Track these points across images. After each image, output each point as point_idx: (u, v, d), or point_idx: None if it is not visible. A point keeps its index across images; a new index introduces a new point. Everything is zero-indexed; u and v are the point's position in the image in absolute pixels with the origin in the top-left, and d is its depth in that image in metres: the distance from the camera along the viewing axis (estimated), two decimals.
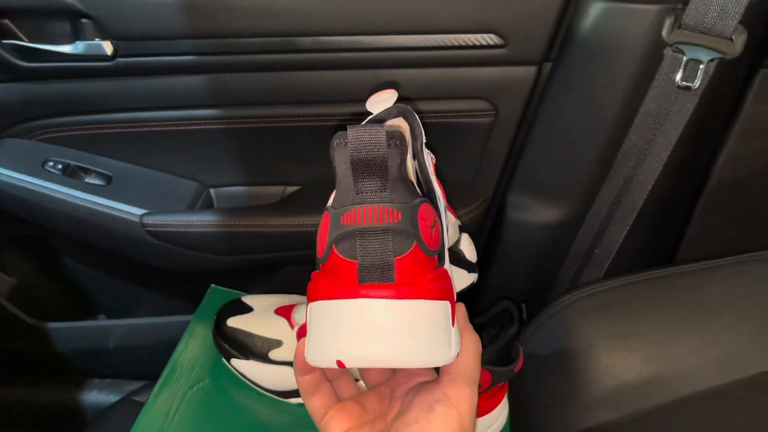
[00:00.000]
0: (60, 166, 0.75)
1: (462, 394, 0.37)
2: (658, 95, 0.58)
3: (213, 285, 0.67)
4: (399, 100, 0.70)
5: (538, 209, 0.69)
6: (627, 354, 0.59)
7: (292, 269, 0.83)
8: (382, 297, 0.33)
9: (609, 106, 0.61)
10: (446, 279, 0.36)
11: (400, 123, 0.43)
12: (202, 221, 0.73)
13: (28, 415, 0.97)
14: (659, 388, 0.57)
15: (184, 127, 0.74)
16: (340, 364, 0.33)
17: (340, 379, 0.43)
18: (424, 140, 0.42)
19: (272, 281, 0.85)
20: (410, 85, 0.68)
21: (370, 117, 0.43)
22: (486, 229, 0.79)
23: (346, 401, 0.41)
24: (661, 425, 0.56)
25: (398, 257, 0.33)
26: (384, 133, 0.34)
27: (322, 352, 0.34)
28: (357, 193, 0.34)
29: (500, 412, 0.59)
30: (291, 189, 0.80)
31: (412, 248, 0.34)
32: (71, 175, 0.75)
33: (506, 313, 0.57)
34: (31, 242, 0.89)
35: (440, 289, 0.35)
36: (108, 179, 0.76)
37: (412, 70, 0.67)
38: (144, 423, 0.54)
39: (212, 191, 0.80)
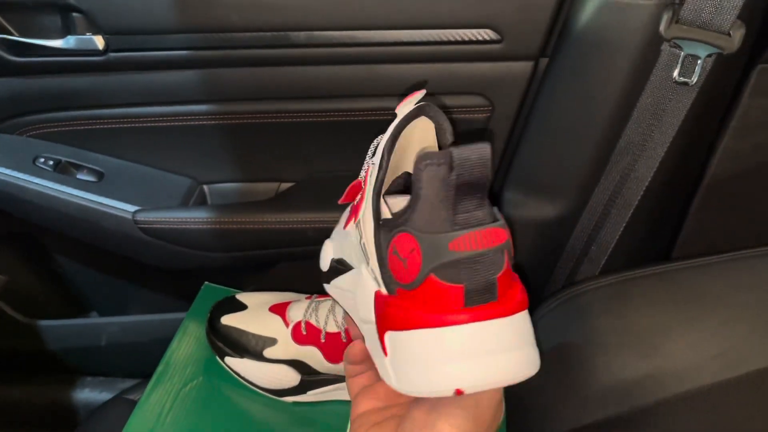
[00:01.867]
0: (51, 162, 0.74)
1: None
2: (655, 91, 0.58)
3: (207, 282, 0.67)
4: (394, 96, 0.70)
5: (534, 205, 0.68)
6: (624, 350, 0.59)
7: (287, 266, 0.82)
8: (492, 318, 0.32)
9: (606, 102, 0.61)
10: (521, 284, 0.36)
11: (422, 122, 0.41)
12: (195, 218, 0.73)
13: (20, 414, 0.96)
14: (656, 385, 0.57)
15: (176, 123, 0.73)
16: (459, 392, 0.32)
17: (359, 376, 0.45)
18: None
19: (266, 278, 0.84)
20: (406, 80, 0.68)
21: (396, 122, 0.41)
22: None
23: (377, 384, 0.42)
24: (658, 422, 0.56)
25: (499, 274, 0.32)
26: (490, 152, 0.32)
27: (431, 382, 0.33)
28: (456, 214, 0.32)
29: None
30: (285, 185, 0.79)
31: (506, 263, 0.33)
32: (63, 171, 0.74)
33: None
34: (22, 239, 0.88)
35: (526, 297, 0.35)
36: (100, 175, 0.75)
37: (407, 66, 0.67)
38: (137, 421, 0.53)
39: (206, 188, 0.80)
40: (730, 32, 0.54)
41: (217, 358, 0.58)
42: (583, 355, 0.60)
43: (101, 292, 0.93)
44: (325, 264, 0.47)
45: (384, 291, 0.35)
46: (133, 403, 0.67)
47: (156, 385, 0.56)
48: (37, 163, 0.73)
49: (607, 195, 0.64)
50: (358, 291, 0.39)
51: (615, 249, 0.67)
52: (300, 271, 0.74)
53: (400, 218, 0.33)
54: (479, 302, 0.32)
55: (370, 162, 0.41)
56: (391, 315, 0.34)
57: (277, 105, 0.72)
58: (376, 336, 0.36)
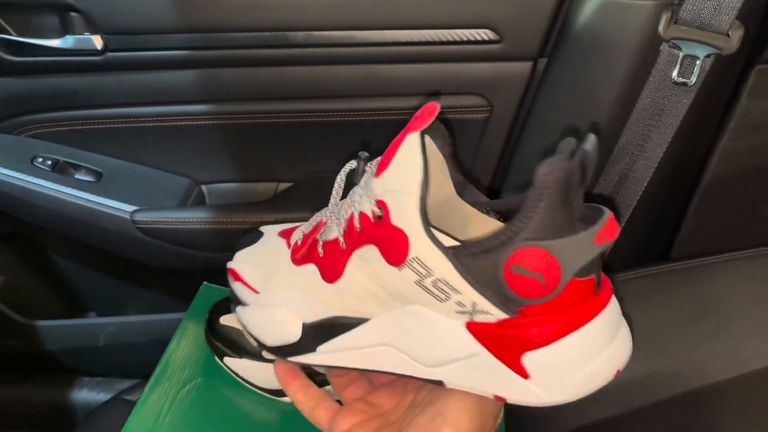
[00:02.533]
0: (49, 162, 0.74)
1: None
2: (654, 91, 0.58)
3: (205, 282, 0.66)
4: (393, 96, 0.70)
5: None
6: None
7: None
8: (610, 296, 0.34)
9: (604, 102, 0.61)
10: None
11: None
12: (193, 218, 0.73)
13: (17, 414, 0.96)
14: (654, 386, 0.57)
15: (175, 123, 0.73)
16: (617, 372, 0.34)
17: (350, 388, 0.44)
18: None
19: None
20: (404, 81, 0.68)
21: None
22: None
23: (353, 403, 0.41)
24: (656, 423, 0.56)
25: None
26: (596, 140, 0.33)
27: (594, 377, 0.33)
28: (577, 210, 0.32)
29: (499, 408, 0.50)
30: (284, 185, 0.79)
31: None
32: (61, 171, 0.74)
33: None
34: (20, 239, 0.88)
35: None
36: (98, 175, 0.75)
37: (406, 66, 0.67)
38: (135, 422, 0.53)
39: (204, 188, 0.80)
40: (729, 33, 0.54)
41: (216, 358, 0.58)
42: None
43: (99, 292, 0.93)
44: (287, 335, 0.42)
45: (488, 318, 0.33)
46: (132, 404, 0.66)
47: (154, 386, 0.55)
48: (35, 163, 0.73)
49: (605, 196, 0.64)
50: (412, 336, 0.36)
51: (613, 250, 0.67)
52: None
53: (503, 234, 0.31)
54: (599, 288, 0.34)
55: (360, 200, 0.37)
56: (527, 335, 0.33)
57: (275, 105, 0.71)
58: (478, 370, 0.35)
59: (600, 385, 0.34)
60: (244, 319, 0.46)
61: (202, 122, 0.73)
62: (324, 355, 0.41)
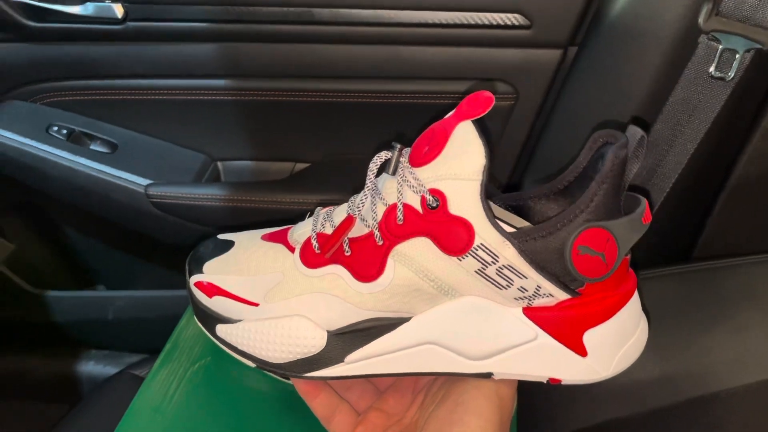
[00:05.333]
0: (65, 132, 0.73)
1: None
2: (689, 85, 0.56)
3: None
4: (415, 79, 0.68)
5: None
6: None
7: None
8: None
9: (635, 95, 0.59)
10: None
11: None
12: (208, 194, 0.72)
13: (23, 385, 0.96)
14: (671, 387, 0.56)
15: (193, 97, 0.72)
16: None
17: (354, 390, 0.42)
18: None
19: None
20: (428, 64, 0.66)
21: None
22: None
23: (367, 413, 0.40)
24: (671, 425, 0.55)
25: None
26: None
27: (637, 346, 0.37)
28: (623, 191, 0.35)
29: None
30: (300, 166, 0.78)
31: None
32: (76, 141, 0.73)
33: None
34: (31, 209, 0.87)
35: None
36: (113, 147, 0.74)
37: (432, 48, 0.65)
38: (143, 398, 0.52)
39: (219, 164, 0.79)
40: None
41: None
42: None
43: (108, 266, 0.93)
44: (305, 347, 0.38)
45: (549, 301, 0.35)
46: (139, 379, 0.66)
47: (163, 363, 0.55)
48: (51, 132, 0.73)
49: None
50: (462, 329, 0.36)
51: (634, 247, 0.66)
52: None
53: (567, 217, 0.33)
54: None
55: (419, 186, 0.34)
56: (589, 313, 0.35)
57: (296, 83, 0.70)
58: (534, 355, 0.36)
59: (638, 355, 0.37)
60: (237, 338, 0.40)
61: (221, 97, 0.72)
62: (353, 365, 0.37)
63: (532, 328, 0.35)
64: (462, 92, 0.68)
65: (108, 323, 0.87)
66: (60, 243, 0.90)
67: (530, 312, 0.35)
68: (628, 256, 0.36)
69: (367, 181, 0.36)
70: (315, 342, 0.37)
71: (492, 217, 0.32)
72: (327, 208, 0.41)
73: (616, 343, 0.36)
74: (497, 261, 0.33)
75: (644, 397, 0.56)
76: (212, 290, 0.41)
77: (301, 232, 0.40)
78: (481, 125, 0.36)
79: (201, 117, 0.74)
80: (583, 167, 0.37)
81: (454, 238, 0.33)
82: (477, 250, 0.33)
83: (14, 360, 0.95)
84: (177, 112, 0.74)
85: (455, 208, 0.33)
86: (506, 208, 0.39)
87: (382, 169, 0.37)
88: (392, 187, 0.35)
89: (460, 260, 0.33)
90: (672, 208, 0.64)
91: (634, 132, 0.34)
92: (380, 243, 0.35)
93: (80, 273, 0.94)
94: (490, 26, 0.62)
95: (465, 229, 0.33)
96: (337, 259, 0.37)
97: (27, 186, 0.77)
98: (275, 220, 0.73)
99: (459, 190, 0.33)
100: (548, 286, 0.34)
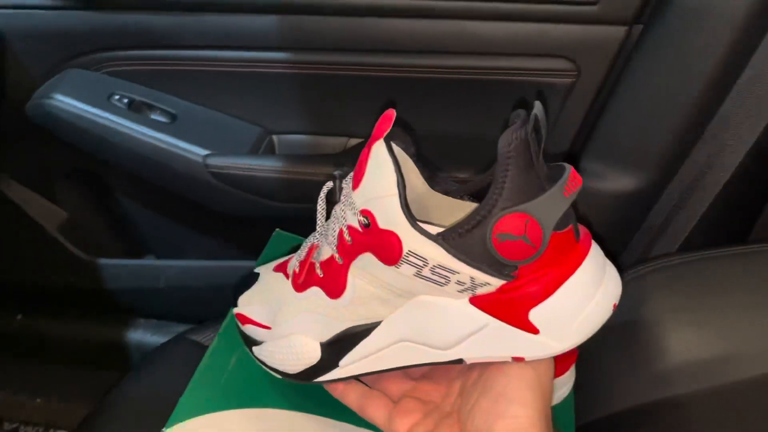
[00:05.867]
0: (126, 101, 0.74)
1: None
2: (761, 64, 0.55)
3: (278, 229, 0.66)
4: (476, 54, 0.68)
5: (613, 177, 0.66)
6: (699, 329, 0.58)
7: None
8: (591, 240, 0.37)
9: (703, 74, 0.59)
10: None
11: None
12: (266, 166, 0.72)
13: (74, 350, 0.98)
14: (732, 366, 0.55)
15: (252, 69, 0.73)
16: (614, 306, 0.37)
17: (384, 382, 0.44)
18: None
19: None
20: (493, 39, 0.66)
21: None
22: None
23: (402, 400, 0.42)
24: (732, 403, 0.55)
25: None
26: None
27: (594, 314, 0.36)
28: (540, 172, 0.34)
29: (569, 378, 0.57)
30: (354, 141, 0.78)
31: None
32: (136, 110, 0.74)
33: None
34: (86, 177, 0.88)
35: None
36: (173, 117, 0.75)
37: (496, 24, 0.65)
38: (210, 363, 0.53)
39: (275, 138, 0.79)
40: None
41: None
42: (657, 331, 0.58)
43: (160, 235, 0.94)
44: (308, 358, 0.44)
45: (489, 288, 0.36)
46: (196, 344, 0.67)
47: (226, 330, 0.55)
48: (112, 101, 0.74)
49: (695, 170, 0.62)
50: (424, 325, 0.39)
51: (695, 227, 0.65)
52: None
53: (483, 209, 0.34)
54: (579, 233, 0.36)
55: (347, 217, 0.39)
56: (528, 293, 0.35)
57: (355, 57, 0.70)
58: (491, 339, 0.37)
59: (603, 321, 0.36)
60: (263, 356, 0.47)
61: (279, 70, 0.72)
62: (348, 368, 0.43)
63: (481, 315, 0.36)
64: (526, 68, 0.68)
65: (159, 292, 0.89)
66: (112, 212, 0.92)
67: (476, 301, 0.36)
68: (570, 228, 0.35)
69: (317, 215, 0.44)
70: (313, 353, 0.43)
71: (415, 224, 0.35)
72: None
73: (569, 315, 0.36)
74: (427, 263, 0.35)
75: (705, 375, 0.56)
76: (244, 320, 0.48)
77: (294, 262, 0.47)
78: (413, 139, 0.40)
79: (259, 89, 0.75)
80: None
81: (387, 249, 0.36)
82: (408, 256, 0.35)
83: (66, 326, 0.97)
84: (236, 84, 0.75)
85: (383, 222, 0.36)
86: (464, 198, 0.41)
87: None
88: (339, 212, 0.40)
89: (398, 267, 0.36)
90: (734, 189, 0.64)
91: (538, 108, 0.35)
92: (341, 262, 0.40)
93: (131, 242, 0.95)
94: (556, 1, 0.62)
95: (395, 240, 0.35)
96: (315, 281, 0.43)
97: (84, 154, 0.78)
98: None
99: (381, 207, 0.36)
100: (482, 276, 0.35)
